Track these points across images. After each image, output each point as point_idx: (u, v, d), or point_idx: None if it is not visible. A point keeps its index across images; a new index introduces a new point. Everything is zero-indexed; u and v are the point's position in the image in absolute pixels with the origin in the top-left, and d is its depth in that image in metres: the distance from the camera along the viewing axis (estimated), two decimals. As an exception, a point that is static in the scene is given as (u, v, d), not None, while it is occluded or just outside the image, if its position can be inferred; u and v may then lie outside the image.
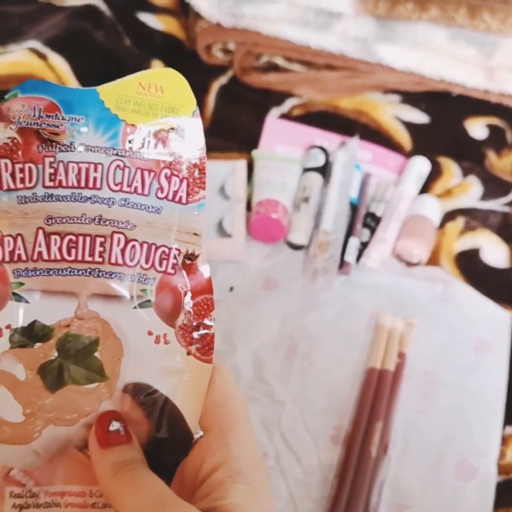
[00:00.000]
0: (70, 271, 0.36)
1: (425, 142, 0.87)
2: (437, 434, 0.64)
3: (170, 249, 0.37)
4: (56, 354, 0.35)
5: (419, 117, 0.90)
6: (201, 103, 0.88)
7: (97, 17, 0.92)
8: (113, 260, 0.36)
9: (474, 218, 0.80)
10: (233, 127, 0.86)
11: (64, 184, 0.36)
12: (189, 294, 0.37)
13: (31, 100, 0.35)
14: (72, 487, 0.35)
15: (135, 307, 0.36)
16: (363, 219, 0.77)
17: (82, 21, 0.90)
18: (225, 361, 0.66)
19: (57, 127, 0.36)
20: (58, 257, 0.35)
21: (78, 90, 0.36)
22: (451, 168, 0.84)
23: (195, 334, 0.37)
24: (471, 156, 0.87)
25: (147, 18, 0.95)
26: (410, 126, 0.89)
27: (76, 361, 0.36)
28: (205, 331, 0.37)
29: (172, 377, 0.36)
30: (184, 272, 0.37)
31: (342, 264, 0.73)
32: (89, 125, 0.36)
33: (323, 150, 0.81)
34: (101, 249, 0.36)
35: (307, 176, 0.79)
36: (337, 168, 0.80)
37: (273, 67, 0.92)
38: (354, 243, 0.74)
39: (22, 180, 0.35)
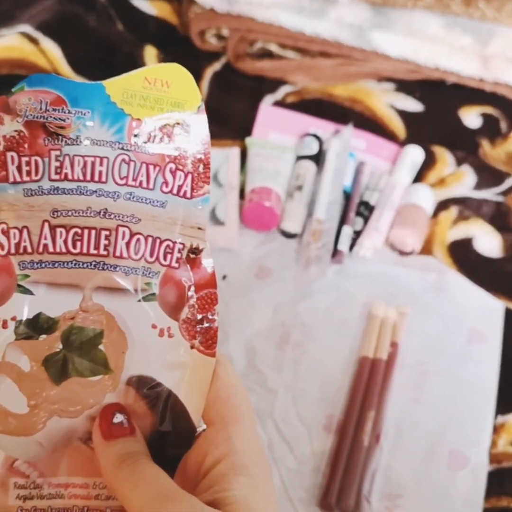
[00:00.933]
0: (75, 264, 0.36)
1: (419, 130, 0.87)
2: (429, 423, 0.64)
3: (174, 243, 0.37)
4: (60, 346, 0.35)
5: (414, 105, 0.90)
6: (194, 90, 0.87)
7: (89, 1, 0.91)
8: (118, 254, 0.36)
9: (467, 207, 0.80)
10: (227, 114, 0.86)
11: (69, 177, 0.36)
12: (192, 288, 0.37)
13: (38, 94, 0.35)
14: (75, 479, 0.35)
15: (139, 300, 0.36)
16: (357, 208, 0.77)
17: (74, 5, 0.89)
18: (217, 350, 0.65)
19: (63, 120, 0.36)
20: (64, 249, 0.36)
21: (84, 84, 0.36)
22: (445, 157, 0.84)
23: (199, 328, 0.37)
24: (465, 145, 0.86)
25: (140, 3, 0.94)
26: (404, 115, 0.88)
27: (80, 353, 0.36)
28: (209, 324, 0.37)
29: (176, 371, 0.36)
30: (188, 266, 0.37)
31: (335, 253, 0.73)
32: (95, 119, 0.36)
33: (317, 138, 0.81)
34: (106, 242, 0.36)
35: (300, 164, 0.79)
36: (330, 156, 0.80)
37: (267, 54, 0.91)
38: (347, 232, 0.74)
39: (28, 172, 0.35)
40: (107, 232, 0.36)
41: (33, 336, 0.35)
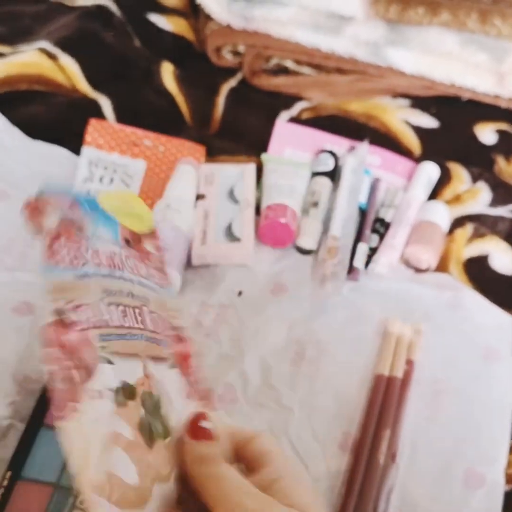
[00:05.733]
0: (130, 336, 0.39)
1: (435, 147, 0.87)
2: (444, 442, 0.64)
3: (166, 321, 0.43)
4: (143, 411, 0.37)
5: (429, 121, 0.90)
6: (210, 105, 0.88)
7: (107, 18, 0.92)
8: (149, 327, 0.41)
9: (483, 224, 0.80)
10: (242, 130, 0.86)
11: (102, 264, 0.41)
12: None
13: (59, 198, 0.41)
14: None
15: (168, 367, 0.41)
16: (372, 225, 0.77)
17: (92, 22, 0.90)
18: (232, 367, 0.66)
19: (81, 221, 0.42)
20: (118, 324, 0.39)
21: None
22: (460, 174, 0.84)
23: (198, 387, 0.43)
24: (480, 162, 0.86)
25: (157, 19, 0.95)
26: (419, 131, 0.89)
27: (154, 417, 0.38)
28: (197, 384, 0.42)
29: None
30: (178, 341, 0.43)
31: (351, 269, 0.73)
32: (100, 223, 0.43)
33: (333, 154, 0.81)
34: (140, 318, 0.40)
35: (316, 180, 0.79)
36: (346, 172, 0.80)
37: (283, 70, 0.92)
38: (363, 249, 0.74)
39: (76, 258, 0.40)
40: (138, 311, 0.40)
41: (125, 404, 0.36)
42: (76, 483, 0.33)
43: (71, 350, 0.35)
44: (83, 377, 0.35)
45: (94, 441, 0.34)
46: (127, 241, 0.43)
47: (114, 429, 0.35)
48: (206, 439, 0.39)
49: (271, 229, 0.74)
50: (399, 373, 0.67)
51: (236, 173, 0.78)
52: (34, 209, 0.41)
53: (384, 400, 0.65)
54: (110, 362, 0.37)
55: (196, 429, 0.39)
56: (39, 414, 0.58)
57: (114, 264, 0.41)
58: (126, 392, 0.36)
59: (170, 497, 0.36)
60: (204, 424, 0.39)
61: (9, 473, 0.55)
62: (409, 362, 0.68)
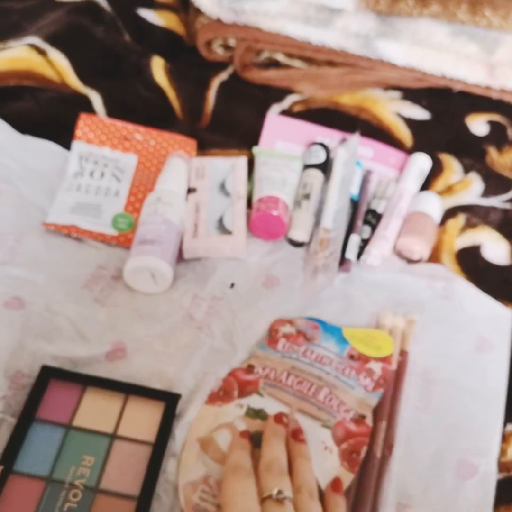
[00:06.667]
0: (292, 394, 0.62)
1: (426, 138, 0.87)
2: (437, 432, 0.63)
3: (351, 409, 0.61)
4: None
5: (420, 113, 0.90)
6: (201, 99, 0.88)
7: (97, 13, 0.91)
8: (318, 398, 0.62)
9: (475, 215, 0.80)
10: (234, 123, 0.86)
11: (307, 357, 0.65)
12: (352, 435, 0.60)
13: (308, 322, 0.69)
14: None
15: (320, 426, 0.60)
16: (364, 216, 0.77)
17: (82, 17, 0.90)
18: (224, 361, 0.65)
19: (315, 336, 0.67)
20: (290, 385, 0.63)
21: (330, 326, 0.68)
22: (452, 165, 0.84)
23: (349, 456, 0.58)
24: (472, 153, 0.86)
25: (147, 14, 0.95)
26: (411, 123, 0.89)
27: None
28: (356, 456, 0.59)
29: (327, 473, 0.58)
30: (354, 423, 0.61)
31: (343, 261, 0.73)
32: (331, 339, 0.67)
33: (324, 146, 0.81)
34: (314, 391, 0.62)
35: (308, 172, 0.79)
36: (338, 164, 0.80)
37: (273, 63, 0.92)
38: (355, 240, 0.74)
39: (288, 349, 0.66)
40: (316, 386, 0.62)
41: (253, 417, 0.61)
42: (188, 435, 0.59)
43: (242, 383, 0.63)
44: (238, 395, 0.62)
45: (214, 423, 0.60)
46: (352, 356, 0.65)
47: (232, 422, 0.60)
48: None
49: (263, 222, 0.74)
50: (393, 365, 0.67)
51: (227, 166, 0.78)
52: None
53: (377, 391, 0.65)
54: (261, 395, 0.62)
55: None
56: (31, 408, 0.58)
57: (319, 361, 0.64)
58: (258, 412, 0.61)
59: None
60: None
61: (1, 468, 0.55)
62: (403, 353, 0.67)
